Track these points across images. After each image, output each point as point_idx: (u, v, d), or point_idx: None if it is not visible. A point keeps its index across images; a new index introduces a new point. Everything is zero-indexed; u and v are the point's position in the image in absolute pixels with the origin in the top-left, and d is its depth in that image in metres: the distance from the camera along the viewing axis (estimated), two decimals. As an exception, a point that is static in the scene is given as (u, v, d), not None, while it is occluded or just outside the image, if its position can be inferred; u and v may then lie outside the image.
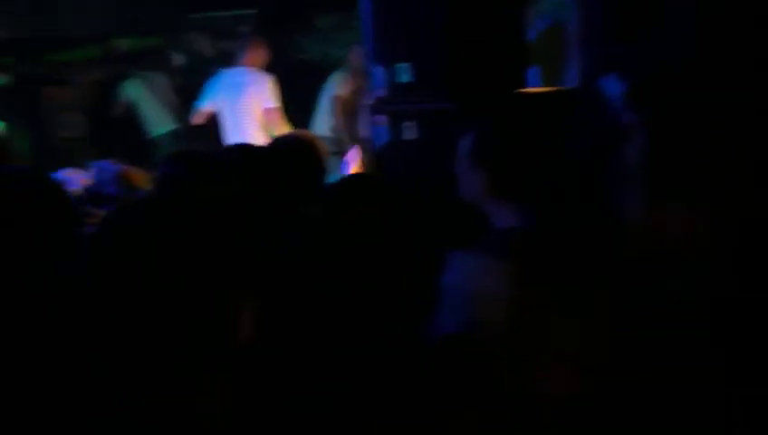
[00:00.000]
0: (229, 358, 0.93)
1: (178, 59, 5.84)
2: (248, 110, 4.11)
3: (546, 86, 2.97)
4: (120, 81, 5.30)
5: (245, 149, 2.19)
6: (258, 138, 3.94)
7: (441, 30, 2.41)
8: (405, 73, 2.49)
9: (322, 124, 4.46)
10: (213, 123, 4.44)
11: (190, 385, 0.90)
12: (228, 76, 4.25)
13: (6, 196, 1.18)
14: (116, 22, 5.44)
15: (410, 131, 2.51)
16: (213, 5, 5.82)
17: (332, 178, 2.31)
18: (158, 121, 5.22)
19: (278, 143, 2.33)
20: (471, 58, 2.39)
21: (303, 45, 5.63)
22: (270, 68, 4.25)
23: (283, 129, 4.05)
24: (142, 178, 2.18)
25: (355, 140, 4.06)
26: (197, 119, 4.38)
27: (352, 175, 3.29)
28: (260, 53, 4.23)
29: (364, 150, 3.46)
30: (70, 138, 5.13)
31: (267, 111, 4.09)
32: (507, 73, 2.43)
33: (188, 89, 4.96)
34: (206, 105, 4.30)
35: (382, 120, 2.60)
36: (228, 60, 4.49)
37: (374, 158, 2.66)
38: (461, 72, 2.39)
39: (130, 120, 5.26)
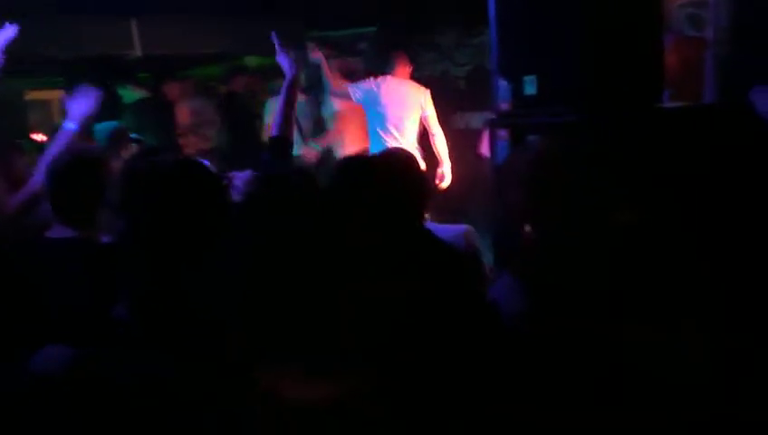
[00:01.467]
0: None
1: (301, 76, 6.01)
2: (410, 119, 4.38)
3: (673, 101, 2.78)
4: (246, 96, 5.53)
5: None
6: (415, 145, 4.30)
7: (571, 40, 2.31)
8: (531, 86, 2.41)
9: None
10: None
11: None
12: (384, 85, 4.46)
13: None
14: (243, 41, 5.70)
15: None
16: (333, 24, 5.97)
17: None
18: None
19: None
20: (603, 69, 2.26)
21: (423, 63, 5.64)
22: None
23: (440, 134, 4.43)
24: None
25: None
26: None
27: None
28: (406, 70, 4.56)
29: None
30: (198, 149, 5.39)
31: (425, 118, 4.41)
32: (643, 86, 2.28)
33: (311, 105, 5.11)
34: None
35: (504, 134, 2.52)
36: (349, 77, 4.58)
37: (495, 173, 2.58)
38: (592, 83, 2.27)
39: (255, 134, 5.47)
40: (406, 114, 4.40)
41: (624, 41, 2.32)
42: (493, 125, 2.52)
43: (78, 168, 1.92)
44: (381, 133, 4.46)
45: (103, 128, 3.19)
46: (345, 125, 4.98)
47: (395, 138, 4.39)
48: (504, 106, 2.49)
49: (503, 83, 2.50)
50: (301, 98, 5.42)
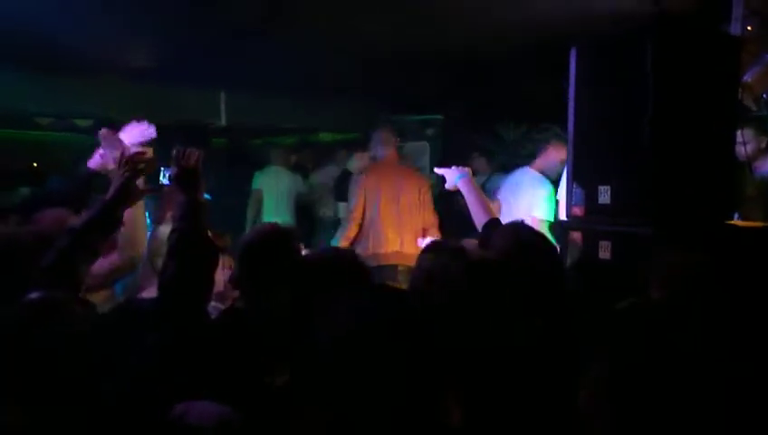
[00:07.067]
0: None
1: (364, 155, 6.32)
2: (519, 212, 4.17)
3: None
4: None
5: None
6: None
7: (645, 153, 2.43)
8: (605, 195, 2.53)
9: None
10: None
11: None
12: (514, 174, 4.48)
13: None
14: (317, 118, 6.06)
15: (605, 251, 2.52)
16: (403, 109, 6.29)
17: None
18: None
19: None
20: (677, 184, 2.38)
21: (486, 152, 5.85)
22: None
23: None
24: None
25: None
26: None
27: None
28: (551, 160, 4.34)
29: None
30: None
31: (533, 220, 4.11)
32: (716, 203, 2.38)
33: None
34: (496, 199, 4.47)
35: (577, 237, 2.64)
36: (406, 160, 4.79)
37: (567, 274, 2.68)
38: (665, 197, 2.38)
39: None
40: (516, 208, 4.20)
41: (697, 158, 2.44)
42: (566, 228, 2.64)
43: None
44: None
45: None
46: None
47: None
48: (578, 211, 2.62)
49: (577, 190, 2.64)
50: None
